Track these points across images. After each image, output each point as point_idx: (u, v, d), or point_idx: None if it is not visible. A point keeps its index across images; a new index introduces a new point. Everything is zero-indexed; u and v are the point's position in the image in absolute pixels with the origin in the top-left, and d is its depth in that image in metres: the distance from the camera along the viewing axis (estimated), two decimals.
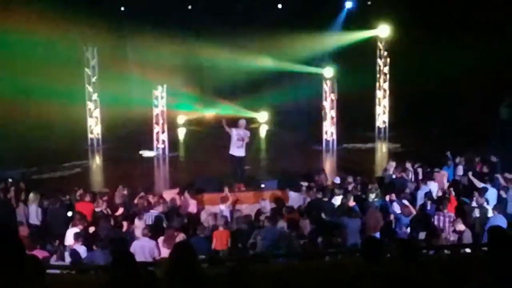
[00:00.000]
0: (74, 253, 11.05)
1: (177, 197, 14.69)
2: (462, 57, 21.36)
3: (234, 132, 16.20)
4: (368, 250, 5.24)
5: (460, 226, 11.62)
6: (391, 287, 4.75)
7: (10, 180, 15.94)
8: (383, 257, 5.22)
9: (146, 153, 20.90)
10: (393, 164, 16.21)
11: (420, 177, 15.68)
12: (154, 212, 13.01)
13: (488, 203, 13.05)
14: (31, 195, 14.28)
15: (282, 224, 12.02)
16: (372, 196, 13.78)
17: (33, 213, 13.88)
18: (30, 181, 15.84)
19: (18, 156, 18.73)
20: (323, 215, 12.84)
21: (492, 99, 20.96)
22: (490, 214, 12.47)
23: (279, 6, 24.71)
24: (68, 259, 10.77)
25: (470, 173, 15.50)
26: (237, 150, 16.25)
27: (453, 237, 11.76)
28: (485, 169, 15.77)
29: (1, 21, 19.45)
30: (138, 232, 12.20)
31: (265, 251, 11.00)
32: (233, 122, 16.49)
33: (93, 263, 10.53)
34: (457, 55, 21.20)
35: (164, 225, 12.50)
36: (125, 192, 14.89)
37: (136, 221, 12.54)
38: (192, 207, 14.31)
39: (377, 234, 12.15)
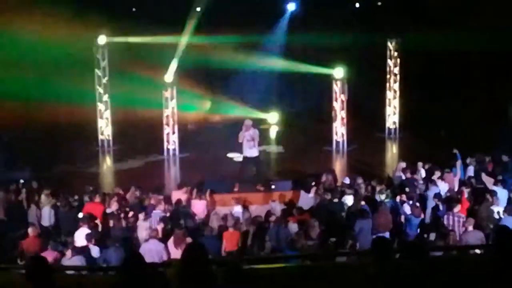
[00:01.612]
0: (86, 253, 11.12)
1: (185, 197, 14.73)
2: (471, 57, 21.31)
3: (244, 134, 16.41)
4: (377, 250, 5.24)
5: (470, 226, 11.58)
6: None
7: (21, 181, 16.03)
8: (392, 258, 5.22)
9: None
10: (403, 164, 16.17)
11: (430, 177, 15.63)
12: (158, 212, 13.03)
13: (498, 205, 13.00)
14: (43, 197, 14.34)
15: (289, 225, 12.05)
16: (382, 197, 13.76)
17: (46, 216, 13.95)
18: (41, 182, 15.89)
19: (29, 157, 18.82)
20: (333, 216, 12.85)
21: (500, 98, 20.86)
22: (497, 216, 12.46)
23: (290, 6, 24.69)
24: (79, 259, 10.82)
25: (483, 174, 15.46)
26: (249, 151, 16.54)
27: (463, 238, 11.74)
28: (496, 170, 15.70)
29: (12, 23, 19.58)
30: (141, 232, 12.27)
31: (272, 252, 11.03)
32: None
33: (106, 261, 10.60)
34: (466, 55, 21.15)
35: (169, 225, 12.50)
36: (138, 193, 14.95)
37: (140, 221, 12.61)
38: (201, 207, 14.36)
39: (387, 234, 12.17)
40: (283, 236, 11.52)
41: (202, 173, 17.71)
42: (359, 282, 5.02)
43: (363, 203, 13.23)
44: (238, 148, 17.12)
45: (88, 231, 11.89)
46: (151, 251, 10.87)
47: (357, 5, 24.68)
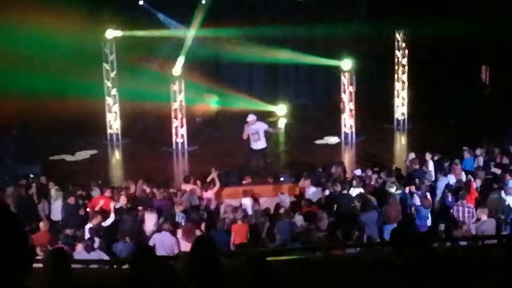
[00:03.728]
0: (95, 247, 11.18)
1: (195, 189, 14.76)
2: (481, 47, 21.19)
3: (247, 129, 16.59)
4: (396, 241, 5.22)
5: (483, 216, 11.56)
6: (408, 280, 4.75)
7: (31, 175, 16.08)
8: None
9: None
10: (411, 156, 16.14)
11: (439, 168, 15.59)
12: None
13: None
14: (54, 191, 14.38)
15: (298, 217, 12.06)
16: (391, 189, 13.74)
17: (57, 210, 13.99)
18: (50, 176, 15.94)
19: (38, 151, 18.88)
20: (341, 208, 12.86)
21: (510, 87, 20.73)
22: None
23: None
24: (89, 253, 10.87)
25: (492, 164, 15.42)
26: (254, 143, 16.77)
27: (473, 228, 11.71)
28: (505, 160, 15.64)
29: (19, 18, 19.61)
30: (149, 224, 12.31)
31: (282, 244, 11.04)
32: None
33: (116, 256, 10.65)
34: (476, 46, 21.03)
35: (180, 220, 12.53)
36: (145, 186, 14.98)
37: (147, 213, 12.65)
38: (210, 200, 14.39)
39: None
40: (290, 228, 11.54)
41: (211, 166, 17.71)
42: (365, 274, 5.01)
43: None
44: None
45: (97, 225, 11.96)
46: (163, 242, 10.90)
47: None
